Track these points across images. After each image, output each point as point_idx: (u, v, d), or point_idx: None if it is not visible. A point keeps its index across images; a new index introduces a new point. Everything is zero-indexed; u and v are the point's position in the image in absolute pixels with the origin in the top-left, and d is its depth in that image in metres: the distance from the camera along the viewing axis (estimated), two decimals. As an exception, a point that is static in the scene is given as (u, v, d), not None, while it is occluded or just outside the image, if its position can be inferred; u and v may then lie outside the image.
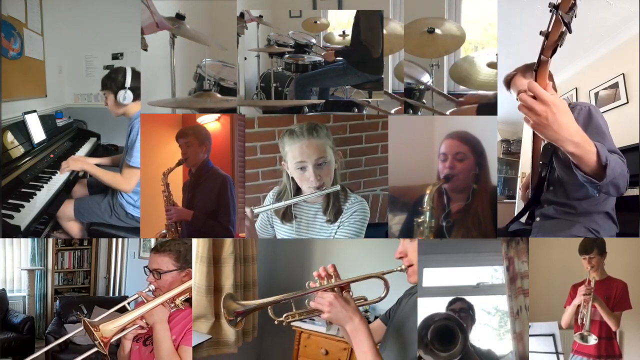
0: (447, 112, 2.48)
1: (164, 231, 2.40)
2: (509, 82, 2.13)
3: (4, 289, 3.68)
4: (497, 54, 2.38)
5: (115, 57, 2.78)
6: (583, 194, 1.91)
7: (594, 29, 2.48)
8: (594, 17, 2.42)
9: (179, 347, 1.61)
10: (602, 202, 1.93)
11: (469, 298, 2.20)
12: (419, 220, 2.03)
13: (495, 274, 2.38)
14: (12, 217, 2.22)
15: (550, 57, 1.44)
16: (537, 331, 2.34)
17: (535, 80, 1.45)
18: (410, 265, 1.45)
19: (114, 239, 3.87)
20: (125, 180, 2.36)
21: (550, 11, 1.36)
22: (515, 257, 2.24)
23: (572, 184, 1.90)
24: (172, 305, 1.64)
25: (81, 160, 2.50)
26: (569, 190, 1.93)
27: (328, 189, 1.80)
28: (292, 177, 1.84)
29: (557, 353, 2.35)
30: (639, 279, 2.19)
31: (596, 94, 2.58)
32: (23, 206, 2.28)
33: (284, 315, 1.47)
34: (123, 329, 1.54)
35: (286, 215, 1.92)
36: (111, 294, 3.94)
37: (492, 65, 2.41)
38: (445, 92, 2.68)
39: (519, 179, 2.85)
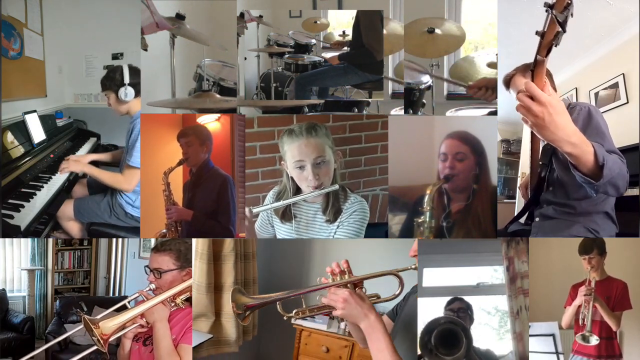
0: (447, 112, 2.48)
1: (164, 230, 2.41)
2: (508, 82, 2.13)
3: (4, 289, 3.68)
4: (497, 54, 2.38)
5: (115, 57, 2.78)
6: (582, 194, 1.91)
7: (594, 29, 2.48)
8: (594, 17, 2.42)
9: (179, 345, 1.61)
10: (601, 202, 1.93)
11: (468, 298, 2.20)
12: (419, 221, 2.03)
13: (495, 274, 2.39)
14: (12, 217, 2.22)
15: (546, 56, 1.44)
16: (537, 331, 2.34)
17: (532, 80, 1.46)
18: None
19: (114, 239, 3.87)
20: (125, 180, 2.37)
21: (546, 11, 1.36)
22: (515, 257, 2.24)
23: (572, 184, 1.90)
24: (173, 304, 1.64)
25: (81, 162, 2.49)
26: (569, 190, 1.93)
27: (327, 188, 1.80)
28: (292, 177, 1.85)
29: (557, 353, 2.35)
30: (639, 278, 2.19)
31: (596, 94, 2.58)
32: (23, 206, 2.28)
33: (293, 312, 1.45)
34: (123, 327, 1.54)
35: (285, 214, 1.92)
36: (111, 294, 3.94)
37: (492, 65, 2.41)
38: (445, 92, 2.68)
39: (519, 179, 2.86)
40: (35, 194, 2.35)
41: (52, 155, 2.66)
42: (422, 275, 2.35)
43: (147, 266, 1.74)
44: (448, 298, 2.21)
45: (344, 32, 2.78)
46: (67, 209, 2.46)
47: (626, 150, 1.94)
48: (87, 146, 2.88)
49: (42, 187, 2.41)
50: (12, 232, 2.20)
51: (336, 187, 1.82)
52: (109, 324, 1.49)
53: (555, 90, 1.88)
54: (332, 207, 1.83)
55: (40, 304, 3.80)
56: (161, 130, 2.55)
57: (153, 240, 2.61)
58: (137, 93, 2.35)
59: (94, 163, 2.55)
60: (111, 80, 2.34)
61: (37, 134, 2.65)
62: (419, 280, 2.30)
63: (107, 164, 2.61)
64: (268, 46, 2.79)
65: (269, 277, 3.14)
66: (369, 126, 2.70)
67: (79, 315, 2.55)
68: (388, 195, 2.34)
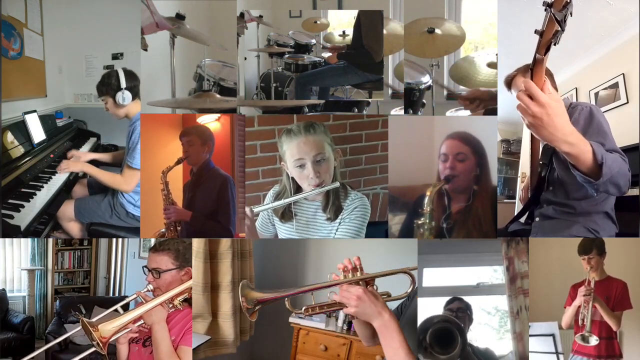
0: (447, 112, 2.48)
1: (163, 230, 2.40)
2: (509, 83, 2.13)
3: (4, 289, 3.67)
4: (497, 54, 2.38)
5: (115, 57, 2.78)
6: (583, 194, 1.91)
7: (594, 29, 2.47)
8: (594, 17, 2.42)
9: (179, 347, 1.61)
10: (601, 202, 1.93)
11: (468, 298, 2.20)
12: (419, 222, 2.03)
13: (495, 274, 2.39)
14: (12, 217, 2.22)
15: (545, 55, 1.44)
16: (537, 331, 2.34)
17: (532, 79, 1.46)
18: None
19: (114, 239, 3.87)
20: (125, 180, 2.37)
21: (545, 10, 1.36)
22: (515, 257, 2.24)
23: (572, 184, 1.90)
24: (170, 305, 1.63)
25: (80, 161, 2.49)
26: (569, 190, 1.93)
27: (328, 185, 1.80)
28: (292, 177, 1.85)
29: (557, 353, 2.34)
30: (639, 278, 2.18)
31: (596, 94, 2.58)
32: (23, 206, 2.28)
33: (303, 308, 1.43)
34: (122, 329, 1.54)
35: (285, 214, 1.92)
36: (111, 294, 3.93)
37: (492, 65, 2.41)
38: (445, 92, 2.67)
39: (519, 179, 2.85)
40: (35, 194, 2.35)
41: (52, 155, 2.65)
42: (422, 275, 2.35)
43: (145, 266, 1.74)
44: (447, 298, 2.21)
45: (344, 32, 2.78)
46: (67, 209, 2.46)
47: (626, 150, 1.93)
48: (87, 146, 2.88)
49: (42, 187, 2.41)
50: (12, 232, 2.20)
51: (337, 184, 1.82)
52: (107, 326, 1.49)
53: (557, 90, 1.88)
54: (333, 205, 1.84)
55: (40, 304, 3.80)
56: (161, 130, 2.55)
57: (153, 240, 2.61)
58: (135, 96, 2.35)
59: (95, 163, 2.55)
60: (107, 86, 2.33)
61: (37, 134, 2.64)
62: (419, 280, 2.31)
63: (108, 164, 2.61)
64: (268, 46, 2.79)
65: (263, 274, 3.13)
66: (370, 125, 2.70)
67: (77, 317, 2.55)
68: (388, 195, 2.34)
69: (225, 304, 2.55)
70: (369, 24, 2.50)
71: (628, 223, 2.10)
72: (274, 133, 2.51)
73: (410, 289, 1.45)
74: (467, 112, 2.42)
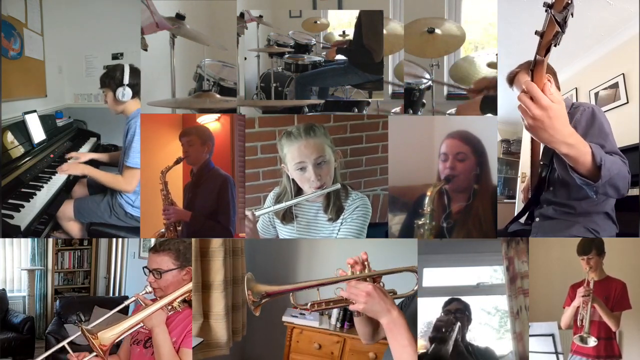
0: (448, 111, 2.48)
1: (162, 230, 2.40)
2: (512, 80, 2.12)
3: (4, 289, 3.68)
4: (497, 54, 2.38)
5: (115, 57, 2.78)
6: (583, 194, 1.90)
7: (594, 29, 2.48)
8: (594, 17, 2.42)
9: (180, 350, 1.61)
10: (601, 202, 1.93)
11: (468, 298, 2.20)
12: (420, 223, 2.03)
13: (495, 274, 2.39)
14: (12, 217, 2.22)
15: (545, 56, 1.44)
16: (537, 331, 2.34)
17: (532, 80, 1.46)
18: None
19: (114, 239, 3.87)
20: (125, 181, 2.37)
21: (546, 11, 1.36)
22: (515, 257, 2.24)
23: (573, 184, 1.89)
24: (169, 307, 1.63)
25: (81, 164, 2.49)
26: (569, 190, 1.93)
27: (329, 187, 1.80)
28: (293, 179, 1.85)
29: (556, 353, 2.35)
30: (638, 279, 2.18)
31: (596, 94, 2.58)
32: (23, 206, 2.28)
33: (308, 304, 1.41)
34: (121, 335, 1.53)
35: (286, 216, 1.92)
36: (111, 294, 3.94)
37: (492, 65, 2.41)
38: (445, 92, 2.68)
39: (518, 179, 2.86)
40: (35, 194, 2.35)
41: (52, 155, 2.66)
42: (422, 275, 2.35)
43: (145, 267, 1.74)
44: (446, 298, 2.21)
45: (344, 32, 2.78)
46: (67, 209, 2.46)
47: (626, 150, 1.94)
48: (87, 146, 2.88)
49: (42, 187, 2.41)
50: (12, 232, 2.20)
51: (338, 186, 1.82)
52: (107, 334, 1.48)
53: (559, 89, 1.87)
54: (334, 206, 1.84)
55: (40, 304, 3.80)
56: (161, 130, 2.55)
57: (153, 240, 2.61)
58: (135, 94, 2.36)
59: (94, 164, 2.55)
60: (111, 78, 2.34)
61: (37, 134, 2.65)
62: (419, 280, 2.30)
63: (107, 164, 2.61)
64: (268, 46, 2.79)
65: (256, 273, 3.11)
66: (370, 126, 2.71)
67: (77, 325, 2.54)
68: (388, 195, 2.34)
69: (217, 304, 2.47)
70: (370, 24, 2.50)
71: (628, 223, 2.10)
72: (275, 134, 2.51)
73: (417, 287, 1.46)
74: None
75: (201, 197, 2.41)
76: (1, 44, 2.42)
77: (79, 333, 1.51)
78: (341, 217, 1.84)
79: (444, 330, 1.89)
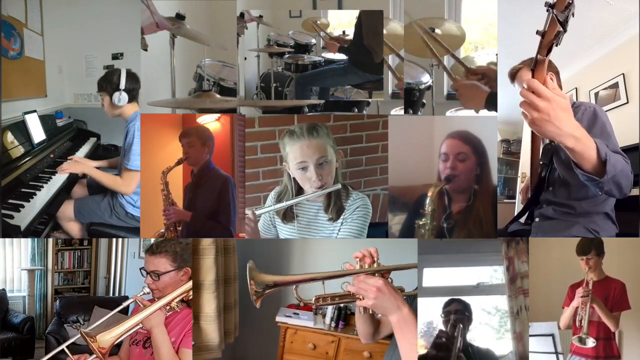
0: (447, 112, 2.48)
1: (162, 230, 2.40)
2: (513, 76, 2.12)
3: (4, 289, 3.67)
4: (497, 54, 2.38)
5: (115, 57, 2.78)
6: (583, 194, 1.91)
7: (594, 29, 2.48)
8: (594, 17, 2.42)
9: (179, 350, 1.61)
10: (601, 202, 1.93)
11: (468, 298, 2.20)
12: (421, 223, 2.02)
13: (495, 274, 2.39)
14: (12, 217, 2.22)
15: (546, 56, 1.43)
16: (536, 331, 2.34)
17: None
18: None
19: (114, 239, 3.87)
20: (125, 183, 2.37)
21: (547, 10, 1.35)
22: (515, 257, 2.24)
23: (573, 184, 1.90)
24: (168, 308, 1.63)
25: (81, 164, 2.50)
26: (569, 190, 1.93)
27: (329, 187, 1.80)
28: (294, 178, 1.85)
29: (556, 353, 2.35)
30: (638, 279, 2.18)
31: (596, 94, 2.58)
32: (23, 206, 2.28)
33: (313, 298, 1.38)
34: (120, 337, 1.53)
35: (287, 215, 1.92)
36: (111, 294, 3.93)
37: (492, 65, 2.41)
38: (445, 92, 2.67)
39: (519, 179, 2.86)
40: (35, 194, 2.35)
41: (52, 155, 2.66)
42: (422, 275, 2.35)
43: (142, 268, 1.74)
44: (447, 299, 2.21)
45: (344, 32, 2.78)
46: (67, 209, 2.46)
47: (626, 150, 1.93)
48: (87, 146, 2.88)
49: (42, 187, 2.41)
50: (12, 232, 2.20)
51: (339, 186, 1.82)
52: (106, 336, 1.48)
53: (561, 88, 1.87)
54: (335, 206, 1.84)
55: (40, 304, 3.80)
56: (161, 131, 2.55)
57: (152, 241, 2.61)
58: (132, 99, 2.36)
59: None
60: (108, 83, 2.35)
61: (37, 134, 2.64)
62: (419, 281, 2.31)
63: (108, 169, 2.61)
64: (268, 46, 2.79)
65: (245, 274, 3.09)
66: (370, 126, 2.70)
67: (77, 328, 2.54)
68: (388, 195, 2.34)
69: (208, 304, 2.34)
70: (370, 24, 2.50)
71: (628, 223, 2.10)
72: (275, 134, 2.51)
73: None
74: (468, 112, 2.42)
75: (202, 197, 2.41)
76: (1, 44, 2.42)
77: (79, 335, 1.51)
78: (342, 217, 1.84)
79: (444, 340, 1.89)
